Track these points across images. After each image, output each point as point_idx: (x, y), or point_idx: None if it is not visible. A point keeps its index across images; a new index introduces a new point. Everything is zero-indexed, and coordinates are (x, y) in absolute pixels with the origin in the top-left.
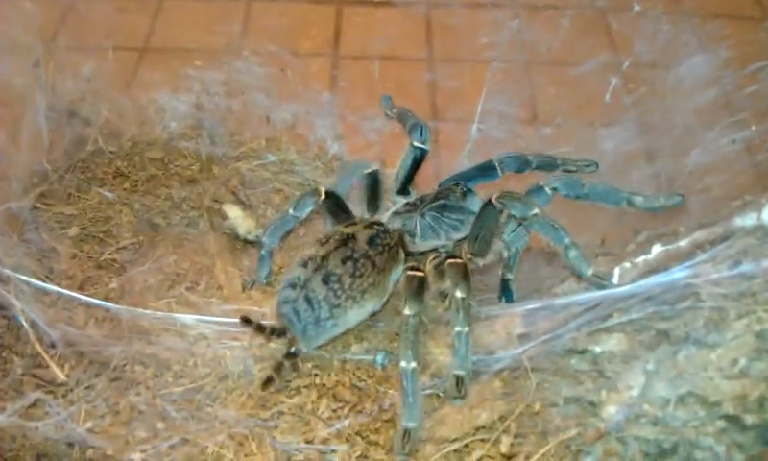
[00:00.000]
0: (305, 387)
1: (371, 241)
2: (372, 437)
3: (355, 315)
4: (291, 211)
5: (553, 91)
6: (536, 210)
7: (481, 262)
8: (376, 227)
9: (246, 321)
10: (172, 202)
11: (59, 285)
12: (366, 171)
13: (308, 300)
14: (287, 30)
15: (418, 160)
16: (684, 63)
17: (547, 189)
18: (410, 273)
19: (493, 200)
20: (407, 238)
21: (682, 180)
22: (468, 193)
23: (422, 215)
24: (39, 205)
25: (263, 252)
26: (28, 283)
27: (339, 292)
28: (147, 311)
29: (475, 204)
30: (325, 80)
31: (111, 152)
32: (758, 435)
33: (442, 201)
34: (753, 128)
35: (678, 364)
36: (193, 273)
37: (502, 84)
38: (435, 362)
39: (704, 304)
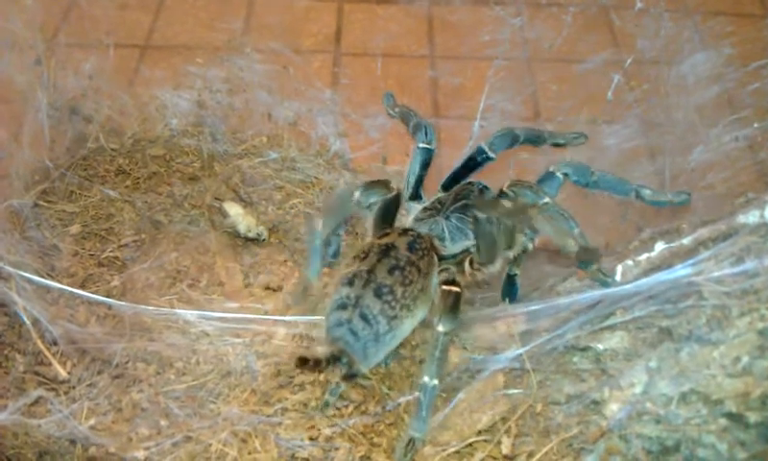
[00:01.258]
0: (309, 384)
1: (410, 247)
2: (375, 439)
3: (410, 324)
4: (357, 196)
5: (555, 88)
6: (547, 198)
7: (511, 254)
8: (411, 233)
9: (303, 361)
10: (173, 199)
11: (60, 283)
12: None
13: (364, 317)
14: (289, 27)
15: (426, 162)
16: (686, 61)
17: (558, 174)
18: (446, 288)
19: (505, 188)
20: (437, 243)
21: (684, 177)
22: (484, 190)
23: (447, 218)
24: (41, 202)
25: (316, 243)
26: (30, 281)
27: (393, 303)
28: (149, 307)
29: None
30: (327, 77)
31: (113, 149)
32: (761, 433)
33: (462, 201)
34: (755, 125)
35: (680, 362)
36: (194, 270)
37: (504, 82)
38: None
39: (706, 302)
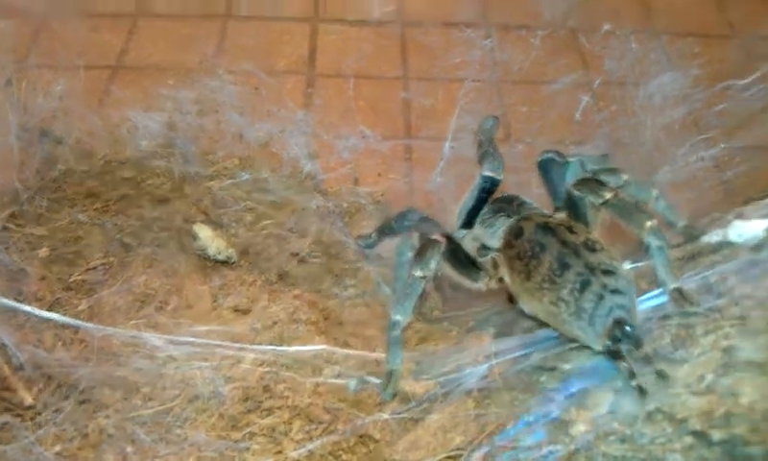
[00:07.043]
0: (278, 408)
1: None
2: (344, 457)
3: None
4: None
5: (525, 110)
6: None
7: None
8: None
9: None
10: (143, 222)
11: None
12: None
13: (607, 272)
14: (262, 48)
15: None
16: (653, 81)
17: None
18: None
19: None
20: None
21: None
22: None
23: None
24: (9, 225)
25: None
26: None
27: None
28: (119, 330)
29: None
30: (300, 98)
31: (83, 171)
32: (725, 451)
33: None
34: (721, 145)
35: (646, 380)
36: (163, 293)
37: (475, 103)
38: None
39: (671, 321)
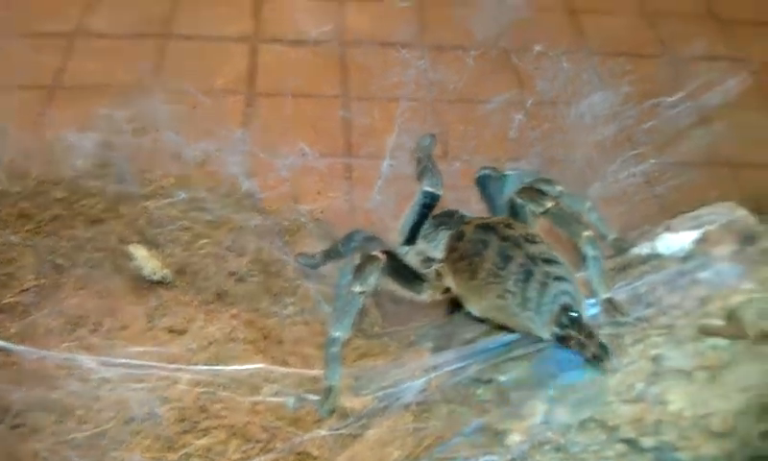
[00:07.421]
0: (214, 428)
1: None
2: None
3: None
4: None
5: (461, 128)
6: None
7: None
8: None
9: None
10: (76, 242)
11: None
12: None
13: (548, 261)
14: (202, 68)
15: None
16: (584, 100)
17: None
18: None
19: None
20: None
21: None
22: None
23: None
24: None
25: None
26: None
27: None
28: (52, 352)
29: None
30: (239, 117)
31: (16, 192)
32: (656, 457)
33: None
34: (651, 161)
35: (579, 390)
36: (96, 315)
37: (412, 122)
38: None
39: (603, 331)
